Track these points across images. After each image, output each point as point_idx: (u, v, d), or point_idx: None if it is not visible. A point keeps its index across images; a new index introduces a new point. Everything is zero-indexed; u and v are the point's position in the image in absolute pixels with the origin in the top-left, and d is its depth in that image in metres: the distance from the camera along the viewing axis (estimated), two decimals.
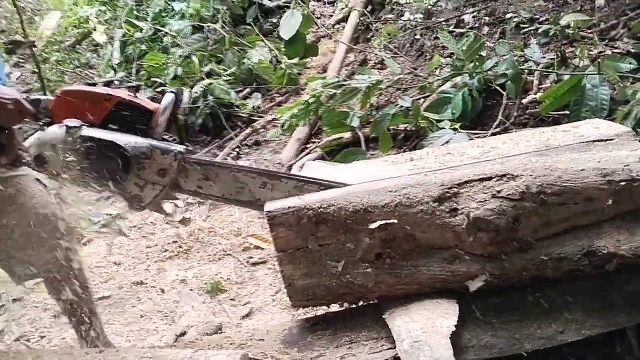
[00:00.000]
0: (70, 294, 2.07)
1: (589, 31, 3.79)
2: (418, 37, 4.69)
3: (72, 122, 1.72)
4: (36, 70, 5.39)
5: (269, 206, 1.71)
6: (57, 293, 2.08)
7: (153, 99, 1.91)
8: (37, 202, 1.96)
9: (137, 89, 1.85)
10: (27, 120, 1.82)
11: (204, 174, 1.77)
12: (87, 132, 1.72)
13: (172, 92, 1.82)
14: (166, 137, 1.78)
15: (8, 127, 1.80)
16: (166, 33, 5.56)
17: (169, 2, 5.91)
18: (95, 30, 6.08)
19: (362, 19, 5.26)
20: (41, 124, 1.82)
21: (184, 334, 2.51)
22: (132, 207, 1.80)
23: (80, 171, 1.73)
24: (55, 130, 1.72)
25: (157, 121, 1.77)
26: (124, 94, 1.80)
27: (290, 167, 4.00)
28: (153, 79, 5.04)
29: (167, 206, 3.90)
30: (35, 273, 2.01)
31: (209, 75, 4.96)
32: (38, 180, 2.00)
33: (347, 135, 3.93)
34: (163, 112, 1.77)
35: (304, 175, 1.83)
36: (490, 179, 1.58)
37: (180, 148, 1.75)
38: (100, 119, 1.76)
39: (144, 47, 5.62)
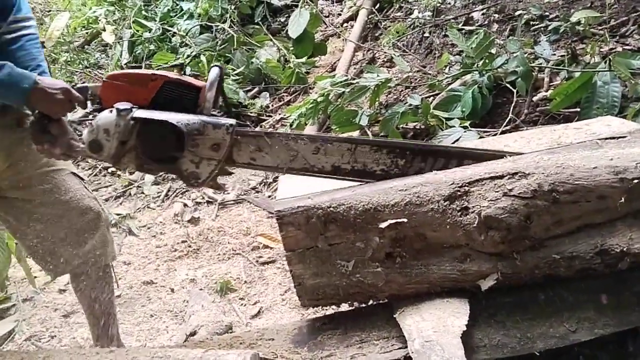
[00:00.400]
0: (95, 288, 2.09)
1: (599, 28, 3.76)
2: (427, 34, 4.67)
3: (123, 105, 1.70)
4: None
5: (278, 205, 1.70)
6: (83, 286, 2.10)
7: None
8: (73, 195, 1.99)
9: (181, 68, 1.85)
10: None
11: (256, 145, 1.75)
12: (138, 113, 1.71)
13: (217, 66, 1.80)
14: (214, 112, 1.77)
15: (58, 118, 1.82)
16: (174, 33, 5.58)
17: (177, 2, 5.93)
18: (103, 30, 6.11)
19: (370, 17, 5.25)
20: (91, 110, 1.82)
21: (194, 333, 2.52)
22: (189, 184, 1.78)
23: (134, 154, 1.74)
24: (107, 115, 1.71)
25: (205, 97, 1.74)
26: (169, 72, 1.80)
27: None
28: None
29: (178, 206, 3.91)
30: (69, 267, 2.03)
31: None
32: (74, 174, 2.03)
33: (356, 133, 3.93)
34: (210, 87, 1.75)
35: (354, 137, 1.80)
36: (501, 177, 1.57)
37: (231, 121, 1.73)
38: (148, 100, 1.75)
39: (152, 47, 5.65)
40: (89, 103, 1.82)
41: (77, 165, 4.71)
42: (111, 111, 1.71)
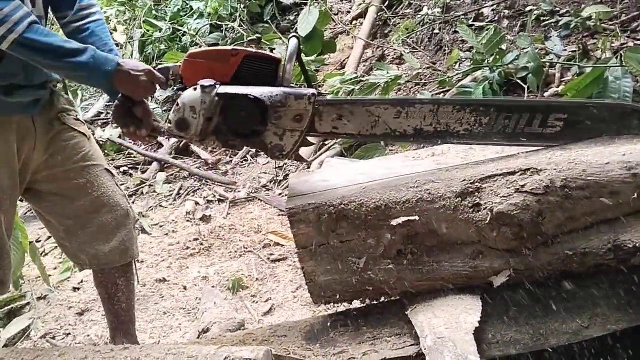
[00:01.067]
0: (119, 284, 2.12)
1: (611, 23, 3.73)
2: (437, 31, 4.66)
3: (207, 82, 1.71)
4: None
5: (290, 203, 1.71)
6: (107, 282, 2.12)
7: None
8: (105, 191, 2.02)
9: (259, 42, 1.86)
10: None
11: (337, 113, 1.74)
12: (222, 89, 1.72)
13: (295, 36, 1.81)
14: (292, 84, 1.77)
15: (141, 100, 1.85)
16: (184, 32, 5.60)
17: (187, 2, 5.95)
18: (115, 30, 6.14)
19: (379, 14, 5.24)
20: (174, 90, 1.84)
21: (206, 330, 2.53)
22: (273, 157, 1.80)
23: (221, 130, 1.76)
24: (192, 93, 1.72)
25: (285, 69, 1.75)
26: (248, 48, 1.81)
27: (309, 164, 4.00)
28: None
29: (189, 205, 3.93)
30: (96, 261, 2.06)
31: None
32: (107, 170, 2.06)
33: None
34: (290, 59, 1.75)
35: (437, 98, 1.78)
36: (513, 173, 1.56)
37: (312, 91, 1.73)
38: (229, 76, 1.76)
39: (163, 47, 5.67)
40: (170, 83, 1.84)
41: None
42: (195, 89, 1.72)
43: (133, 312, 2.25)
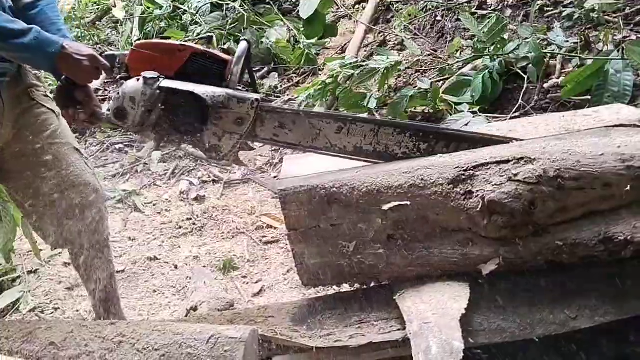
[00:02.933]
0: (95, 264, 2.11)
1: (614, 15, 3.70)
2: (439, 18, 4.62)
3: (150, 74, 1.71)
4: None
5: (281, 184, 1.70)
6: (81, 261, 2.11)
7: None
8: (74, 170, 2.00)
9: (209, 40, 1.85)
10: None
11: (280, 121, 1.75)
12: (165, 83, 1.71)
13: (245, 40, 1.80)
14: (239, 87, 1.76)
15: (84, 84, 1.82)
16: (185, 10, 5.55)
17: None
18: (114, 6, 6.09)
19: None
20: (118, 78, 1.82)
21: (195, 308, 2.54)
22: (210, 157, 1.79)
23: (158, 123, 1.74)
24: (134, 83, 1.71)
25: (232, 70, 1.75)
26: (197, 45, 1.80)
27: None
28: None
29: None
30: (67, 240, 2.04)
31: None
32: (76, 149, 2.03)
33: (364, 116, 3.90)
34: (237, 61, 1.75)
35: (378, 119, 1.81)
36: (507, 161, 1.55)
37: (256, 96, 1.73)
38: (175, 70, 1.75)
39: (162, 24, 5.62)
40: (115, 71, 1.82)
41: (86, 140, 4.73)
42: (138, 79, 1.71)
43: (115, 290, 2.23)
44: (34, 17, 1.90)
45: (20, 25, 1.73)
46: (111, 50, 2.02)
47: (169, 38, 1.75)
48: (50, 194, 1.99)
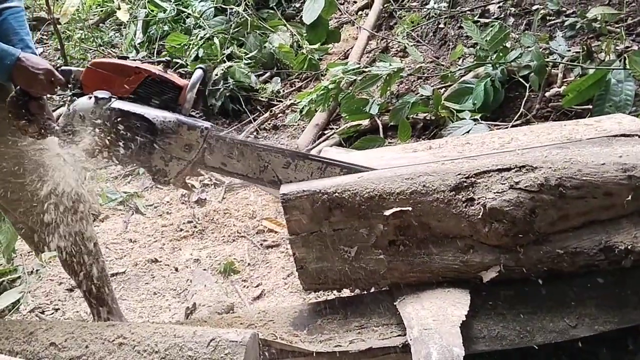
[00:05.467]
0: (84, 267, 2.11)
1: (616, 25, 3.71)
2: (442, 25, 4.64)
3: (102, 94, 1.72)
4: (59, 47, 5.44)
5: (284, 189, 1.71)
6: (71, 266, 2.11)
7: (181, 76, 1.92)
8: (57, 175, 1.99)
9: (167, 64, 1.85)
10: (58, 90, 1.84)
11: (228, 151, 1.77)
12: (116, 104, 1.72)
13: (201, 68, 1.81)
14: (193, 113, 1.77)
15: (38, 97, 1.82)
16: (189, 14, 5.57)
17: None
18: (118, 9, 6.10)
19: (385, 5, 5.21)
20: (70, 94, 1.83)
21: (193, 310, 2.54)
22: (156, 181, 1.81)
23: (107, 143, 1.75)
24: (85, 101, 1.73)
25: (185, 97, 1.76)
26: (153, 68, 1.81)
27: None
28: (174, 60, 5.05)
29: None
30: (52, 245, 2.04)
31: (230, 57, 4.96)
32: (58, 155, 2.03)
33: (366, 122, 3.91)
34: (191, 87, 1.76)
35: (327, 157, 1.82)
36: (508, 169, 1.57)
37: (207, 124, 1.74)
38: (129, 92, 1.76)
39: (166, 28, 5.64)
40: (70, 87, 1.83)
41: None
42: (90, 98, 1.72)
43: (108, 291, 2.22)
44: None
45: None
46: (68, 66, 2.02)
47: (125, 58, 1.78)
48: (34, 199, 1.97)
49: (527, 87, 3.47)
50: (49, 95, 1.91)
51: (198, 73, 1.79)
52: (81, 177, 2.12)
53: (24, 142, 1.96)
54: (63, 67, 1.84)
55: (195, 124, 1.73)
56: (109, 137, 1.74)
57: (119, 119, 1.72)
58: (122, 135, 1.73)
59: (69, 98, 1.82)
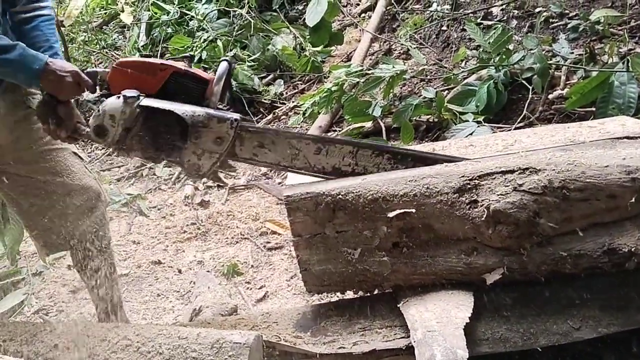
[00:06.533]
0: (97, 266, 2.12)
1: (619, 28, 3.72)
2: (445, 28, 4.64)
3: (130, 92, 1.72)
4: (63, 50, 5.45)
5: (287, 191, 1.71)
6: (84, 265, 2.12)
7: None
8: (74, 174, 2.01)
9: (190, 59, 1.86)
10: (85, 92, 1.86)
11: (259, 141, 1.77)
12: (145, 101, 1.73)
13: (226, 60, 1.82)
14: (220, 106, 1.77)
15: (66, 100, 1.84)
16: (192, 16, 5.58)
17: None
18: (122, 11, 6.12)
19: (388, 8, 5.22)
20: (99, 95, 1.84)
21: (199, 313, 2.54)
22: (190, 175, 1.82)
23: (138, 141, 1.76)
24: (114, 101, 1.73)
25: (212, 90, 1.76)
26: (178, 63, 1.81)
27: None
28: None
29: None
30: (67, 244, 2.05)
31: (233, 60, 4.97)
32: (75, 153, 2.05)
33: (369, 124, 3.92)
34: (218, 80, 1.77)
35: (359, 141, 1.82)
36: (512, 171, 1.56)
37: (236, 116, 1.74)
38: (156, 89, 1.77)
39: (169, 30, 5.66)
40: (97, 88, 1.84)
41: (91, 144, 4.75)
42: (118, 97, 1.73)
43: (116, 293, 2.24)
44: (29, 32, 1.92)
45: (4, 41, 1.75)
46: (94, 67, 2.03)
47: (150, 56, 1.77)
48: (52, 198, 2.00)
49: (530, 89, 3.48)
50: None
51: (223, 66, 1.79)
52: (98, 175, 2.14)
53: (40, 143, 1.98)
54: (89, 70, 1.85)
55: (225, 116, 1.73)
56: (140, 135, 1.75)
57: (149, 116, 1.73)
58: (153, 132, 1.75)
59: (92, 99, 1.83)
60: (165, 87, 1.77)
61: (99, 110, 1.75)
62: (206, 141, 1.73)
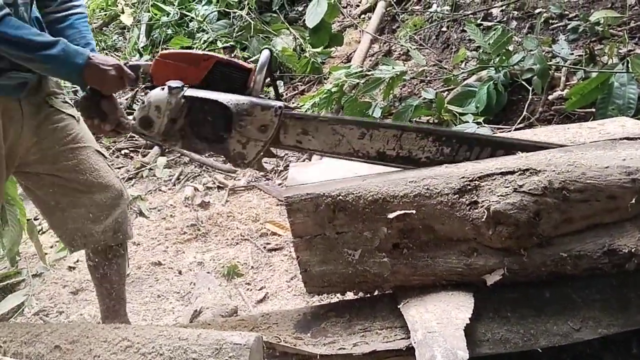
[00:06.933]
0: (112, 265, 2.13)
1: (619, 29, 3.72)
2: (444, 29, 4.64)
3: (175, 83, 1.73)
4: None
5: (287, 192, 1.71)
6: (99, 263, 2.13)
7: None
8: (97, 173, 2.03)
9: (232, 49, 1.87)
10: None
11: (302, 128, 1.77)
12: (189, 92, 1.73)
13: (267, 48, 1.83)
14: (262, 95, 1.78)
15: (109, 94, 1.85)
16: (192, 18, 5.59)
17: None
18: (122, 12, 6.13)
19: (388, 9, 5.22)
20: (142, 88, 1.86)
21: (199, 314, 2.54)
22: (235, 165, 1.81)
23: (183, 132, 1.77)
24: (159, 92, 1.74)
25: (255, 79, 1.77)
26: (220, 54, 1.82)
27: (311, 156, 3.99)
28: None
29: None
30: (88, 242, 2.07)
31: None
32: (98, 151, 2.06)
33: None
34: (260, 69, 1.77)
35: (404, 124, 1.80)
36: (512, 172, 1.56)
37: (280, 103, 1.75)
38: (199, 80, 1.78)
39: (169, 31, 5.66)
40: (139, 81, 1.85)
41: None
42: (163, 89, 1.73)
43: (124, 293, 2.25)
44: (64, 30, 1.94)
45: (47, 37, 1.76)
46: (134, 60, 2.04)
47: (191, 48, 1.78)
48: (75, 195, 2.01)
49: (530, 90, 3.48)
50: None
51: (265, 54, 1.79)
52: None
53: (63, 142, 2.00)
54: (131, 62, 1.86)
55: (269, 103, 1.73)
56: (185, 126, 1.76)
57: (193, 107, 1.73)
58: (197, 123, 1.75)
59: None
60: (208, 77, 1.78)
61: (143, 102, 1.75)
62: (251, 129, 1.74)
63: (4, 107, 1.86)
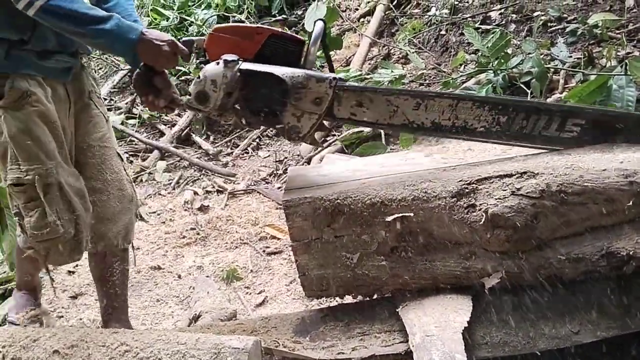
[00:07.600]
0: (115, 268, 2.13)
1: (617, 31, 3.72)
2: (443, 32, 4.65)
3: (230, 57, 1.72)
4: None
5: (286, 195, 1.71)
6: (102, 267, 2.13)
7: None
8: (115, 175, 2.05)
9: (284, 22, 1.86)
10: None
11: (357, 99, 1.74)
12: (245, 65, 1.72)
13: (321, 20, 1.80)
14: (314, 68, 1.77)
15: (162, 71, 1.84)
16: (192, 22, 5.60)
17: None
18: None
19: (387, 12, 5.23)
20: (197, 63, 1.84)
21: (198, 318, 2.54)
22: (289, 138, 1.79)
23: (239, 106, 1.77)
24: (214, 67, 1.72)
25: (310, 51, 1.76)
26: (274, 27, 1.81)
27: (309, 160, 4.00)
28: (177, 67, 5.06)
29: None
30: (98, 243, 2.06)
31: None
32: (119, 154, 2.08)
33: (367, 129, 3.92)
34: (314, 41, 1.75)
35: (459, 93, 1.76)
36: (510, 175, 1.57)
37: (334, 75, 1.73)
38: (253, 53, 1.76)
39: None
40: (193, 56, 1.84)
41: None
42: (218, 63, 1.72)
43: (126, 296, 2.26)
44: (110, 9, 1.93)
45: (100, 12, 1.75)
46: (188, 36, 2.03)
47: (243, 21, 1.76)
48: (92, 195, 2.01)
49: (529, 93, 3.48)
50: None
51: (320, 25, 1.77)
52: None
53: (93, 137, 2.01)
54: (185, 38, 1.84)
55: (323, 75, 1.72)
56: (240, 100, 1.75)
57: (249, 80, 1.72)
58: (253, 96, 1.74)
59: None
60: (262, 50, 1.76)
61: (199, 77, 1.74)
62: (305, 102, 1.72)
63: (53, 89, 1.89)
